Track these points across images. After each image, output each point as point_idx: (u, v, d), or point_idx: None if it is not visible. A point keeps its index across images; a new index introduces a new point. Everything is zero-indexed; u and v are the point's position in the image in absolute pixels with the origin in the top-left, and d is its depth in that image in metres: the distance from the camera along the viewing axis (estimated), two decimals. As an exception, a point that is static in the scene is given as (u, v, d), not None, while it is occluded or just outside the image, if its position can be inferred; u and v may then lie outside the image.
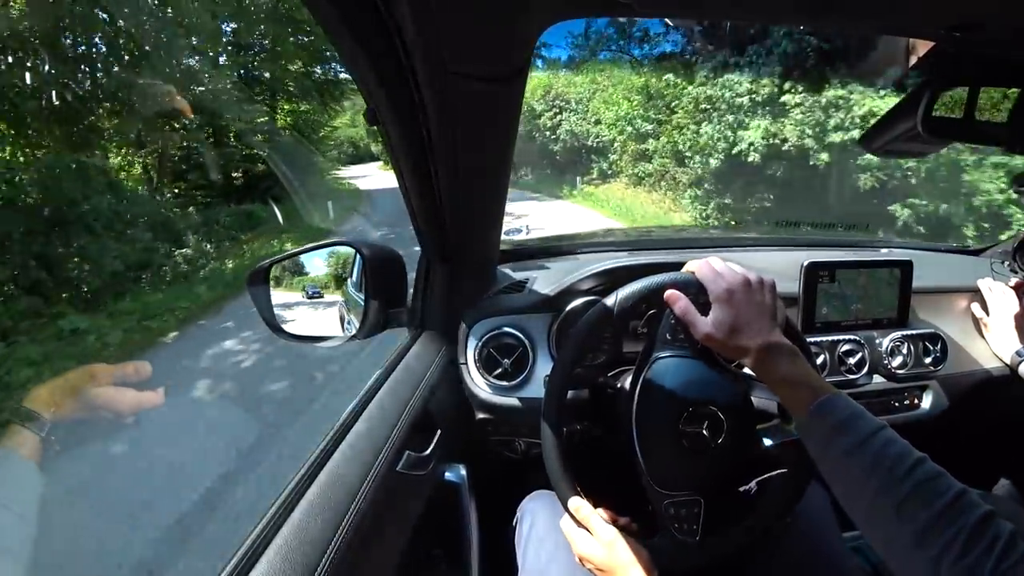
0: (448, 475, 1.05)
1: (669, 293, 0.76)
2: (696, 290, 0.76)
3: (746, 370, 0.85)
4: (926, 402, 1.21)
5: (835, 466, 0.63)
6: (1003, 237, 1.54)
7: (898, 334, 1.17)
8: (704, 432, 0.80)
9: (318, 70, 14.50)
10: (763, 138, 8.46)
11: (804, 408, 0.66)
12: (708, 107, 9.55)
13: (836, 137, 7.52)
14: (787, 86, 7.96)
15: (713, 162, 9.64)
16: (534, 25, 0.49)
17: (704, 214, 10.12)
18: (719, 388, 0.83)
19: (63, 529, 2.35)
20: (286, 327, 1.01)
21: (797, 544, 0.95)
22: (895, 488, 0.56)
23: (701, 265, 0.77)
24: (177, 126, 10.15)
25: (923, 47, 0.72)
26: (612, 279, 1.12)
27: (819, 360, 1.14)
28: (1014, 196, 5.72)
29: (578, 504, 0.81)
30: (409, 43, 0.50)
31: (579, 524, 0.81)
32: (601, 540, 0.78)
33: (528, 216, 9.28)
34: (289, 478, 0.68)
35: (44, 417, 0.48)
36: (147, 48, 8.16)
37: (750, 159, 8.71)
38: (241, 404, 3.87)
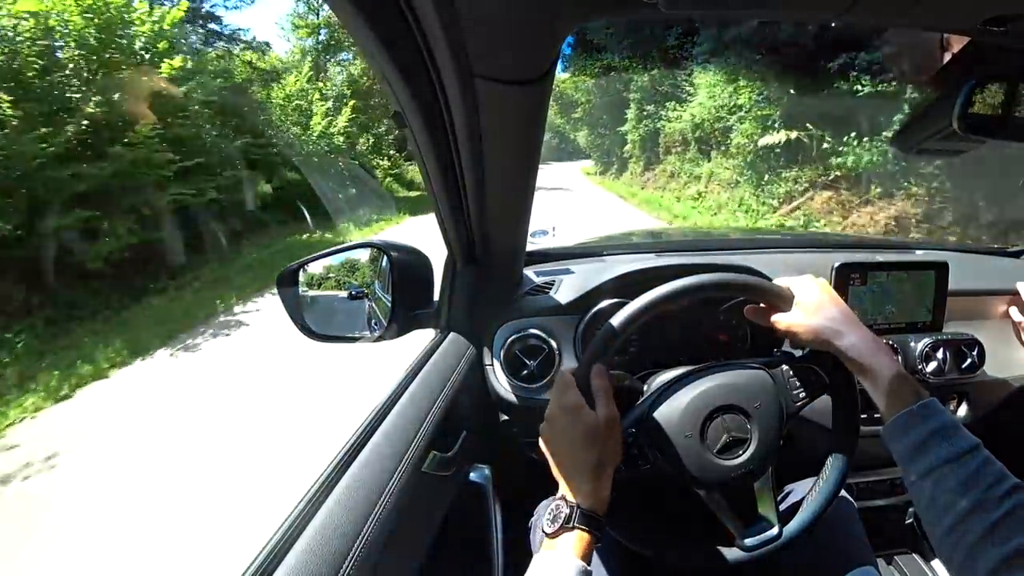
0: (473, 476, 1.06)
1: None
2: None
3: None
4: (961, 410, 1.18)
5: (927, 473, 0.62)
6: (1045, 238, 1.48)
7: (933, 339, 1.14)
8: (730, 440, 0.79)
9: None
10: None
11: (902, 404, 0.66)
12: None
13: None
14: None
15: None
16: (559, 28, 0.49)
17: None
18: (723, 387, 0.82)
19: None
20: (314, 328, 1.03)
21: (823, 555, 0.93)
22: (992, 508, 0.56)
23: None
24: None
25: (958, 42, 0.71)
26: (639, 281, 1.11)
27: None
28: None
29: (602, 372, 0.76)
30: (435, 47, 0.50)
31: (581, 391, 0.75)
32: (599, 413, 0.72)
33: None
34: (316, 476, 0.69)
35: None
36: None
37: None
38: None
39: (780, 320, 0.81)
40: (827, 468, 0.84)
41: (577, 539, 0.66)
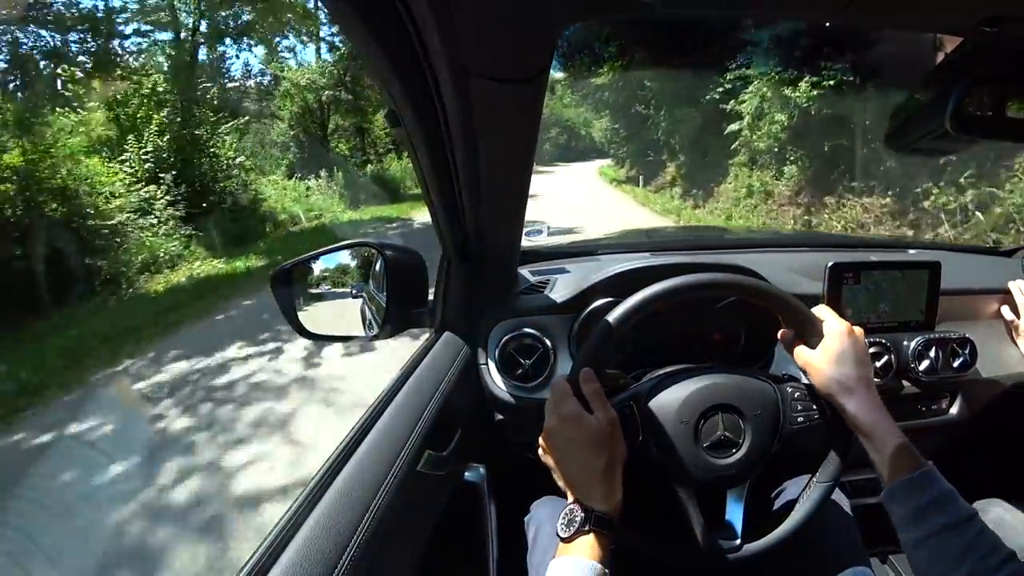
0: (468, 475, 1.06)
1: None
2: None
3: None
4: (954, 408, 1.18)
5: (925, 539, 0.65)
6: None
7: (925, 337, 1.15)
8: (723, 437, 0.80)
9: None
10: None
11: (903, 471, 0.69)
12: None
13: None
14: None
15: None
16: (554, 27, 0.49)
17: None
18: (728, 387, 0.82)
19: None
20: (309, 327, 1.03)
21: (816, 554, 0.94)
22: None
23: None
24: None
25: (951, 43, 0.71)
26: (633, 280, 1.11)
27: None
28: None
29: (591, 377, 0.76)
30: (429, 44, 0.50)
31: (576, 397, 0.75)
32: (599, 417, 0.73)
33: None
34: (311, 475, 0.69)
35: None
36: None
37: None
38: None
39: (800, 353, 0.82)
40: (807, 493, 0.84)
41: (593, 542, 0.66)
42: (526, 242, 1.24)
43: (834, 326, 0.80)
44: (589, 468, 0.71)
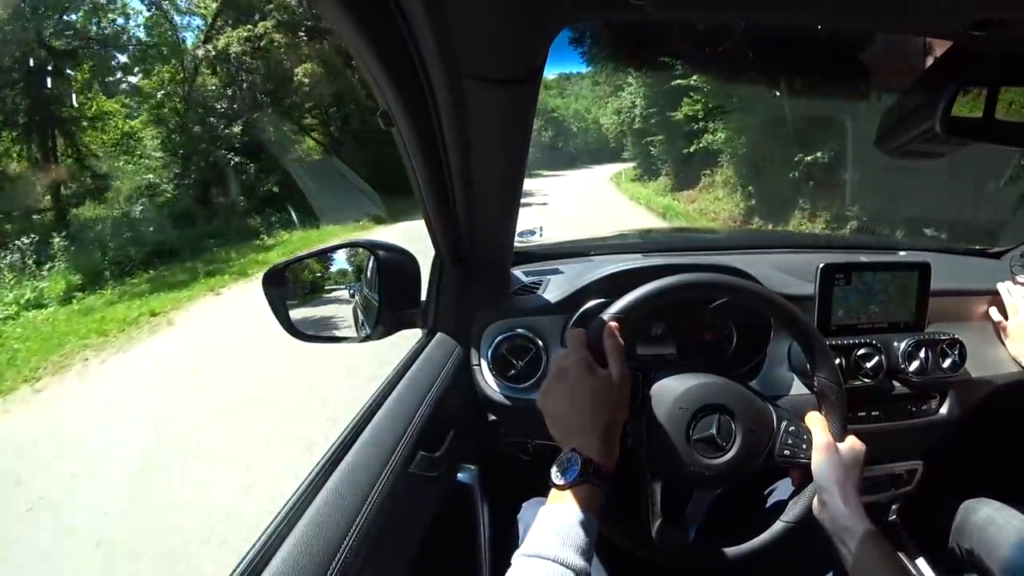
0: (460, 476, 1.06)
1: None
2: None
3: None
4: (944, 408, 1.19)
5: None
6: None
7: (915, 338, 1.16)
8: (715, 435, 0.80)
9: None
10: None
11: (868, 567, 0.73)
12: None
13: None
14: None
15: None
16: (548, 28, 0.49)
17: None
18: (733, 393, 0.83)
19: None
20: (300, 328, 1.02)
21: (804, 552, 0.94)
22: None
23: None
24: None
25: (940, 46, 0.71)
26: (626, 281, 1.11)
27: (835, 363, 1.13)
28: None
29: (615, 332, 0.76)
30: (422, 46, 0.50)
31: (592, 348, 0.75)
32: (614, 372, 0.73)
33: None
34: (303, 477, 0.69)
35: None
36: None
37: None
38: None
39: (815, 453, 0.82)
40: (767, 532, 0.85)
41: (588, 494, 0.65)
42: (519, 243, 1.24)
43: (819, 440, 0.82)
44: (591, 420, 0.70)
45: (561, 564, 0.58)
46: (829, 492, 0.77)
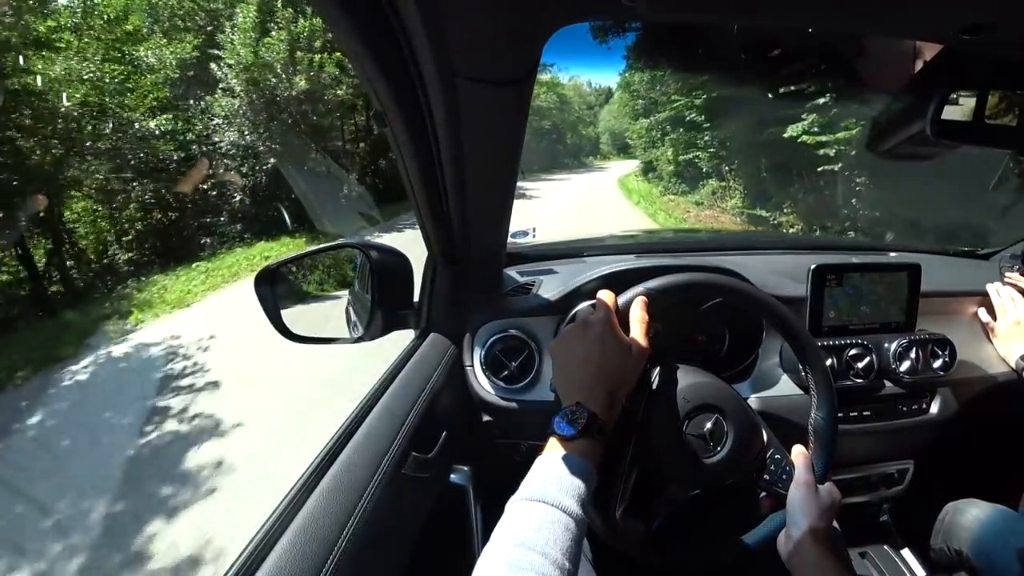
0: (453, 477, 1.06)
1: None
2: None
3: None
4: (934, 407, 1.20)
5: None
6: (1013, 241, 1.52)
7: (906, 339, 1.17)
8: (707, 434, 0.80)
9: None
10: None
11: None
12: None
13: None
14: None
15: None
16: (541, 30, 0.49)
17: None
18: (733, 402, 0.83)
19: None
20: (293, 328, 1.01)
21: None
22: None
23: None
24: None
25: (930, 50, 0.72)
26: (619, 282, 1.12)
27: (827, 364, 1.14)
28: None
29: (645, 307, 0.77)
30: (416, 47, 0.50)
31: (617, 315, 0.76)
32: (636, 341, 0.74)
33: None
34: (296, 478, 0.68)
35: None
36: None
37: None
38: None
39: (793, 487, 0.82)
40: (726, 546, 0.85)
41: (591, 447, 0.65)
42: (512, 243, 1.24)
43: (800, 476, 0.82)
44: (605, 379, 0.70)
45: (562, 510, 0.58)
46: (800, 529, 0.77)
